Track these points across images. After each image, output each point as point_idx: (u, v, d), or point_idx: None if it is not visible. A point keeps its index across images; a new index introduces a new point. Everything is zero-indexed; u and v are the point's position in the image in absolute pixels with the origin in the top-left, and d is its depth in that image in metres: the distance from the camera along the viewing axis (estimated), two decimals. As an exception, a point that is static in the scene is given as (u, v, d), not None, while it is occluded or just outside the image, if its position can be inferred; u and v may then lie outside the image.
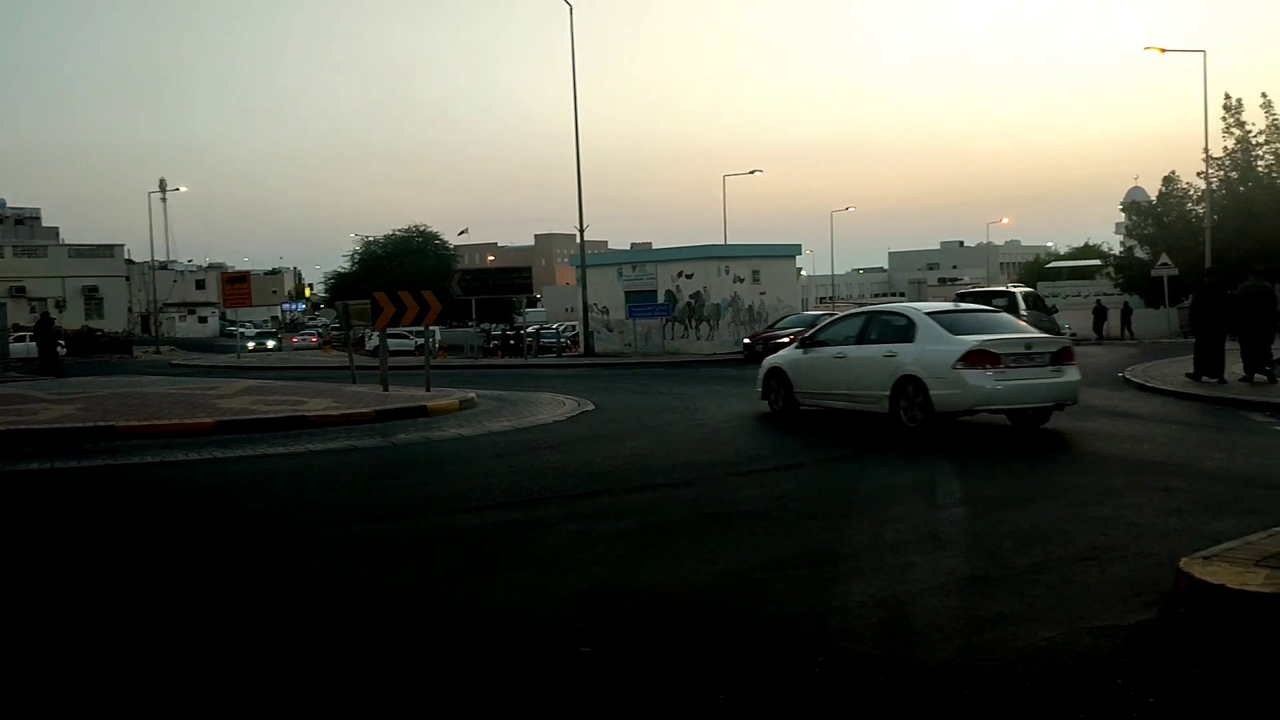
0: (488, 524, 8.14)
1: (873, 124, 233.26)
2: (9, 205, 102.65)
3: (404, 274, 48.58)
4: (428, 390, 19.29)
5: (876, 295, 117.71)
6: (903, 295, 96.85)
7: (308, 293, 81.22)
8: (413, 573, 6.62)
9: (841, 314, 16.76)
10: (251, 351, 55.12)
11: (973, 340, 12.19)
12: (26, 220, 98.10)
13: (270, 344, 64.65)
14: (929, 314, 13.14)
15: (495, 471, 10.78)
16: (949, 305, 15.58)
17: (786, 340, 23.53)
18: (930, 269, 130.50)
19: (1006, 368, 12.05)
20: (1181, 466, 9.88)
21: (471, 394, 18.67)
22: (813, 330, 15.61)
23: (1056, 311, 35.55)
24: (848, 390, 13.70)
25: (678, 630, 5.27)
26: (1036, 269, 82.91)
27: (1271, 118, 42.01)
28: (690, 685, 4.52)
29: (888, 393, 12.76)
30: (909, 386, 12.50)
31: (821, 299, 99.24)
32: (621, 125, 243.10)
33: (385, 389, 19.43)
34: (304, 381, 24.22)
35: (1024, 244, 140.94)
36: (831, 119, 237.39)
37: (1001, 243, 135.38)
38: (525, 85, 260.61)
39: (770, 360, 15.75)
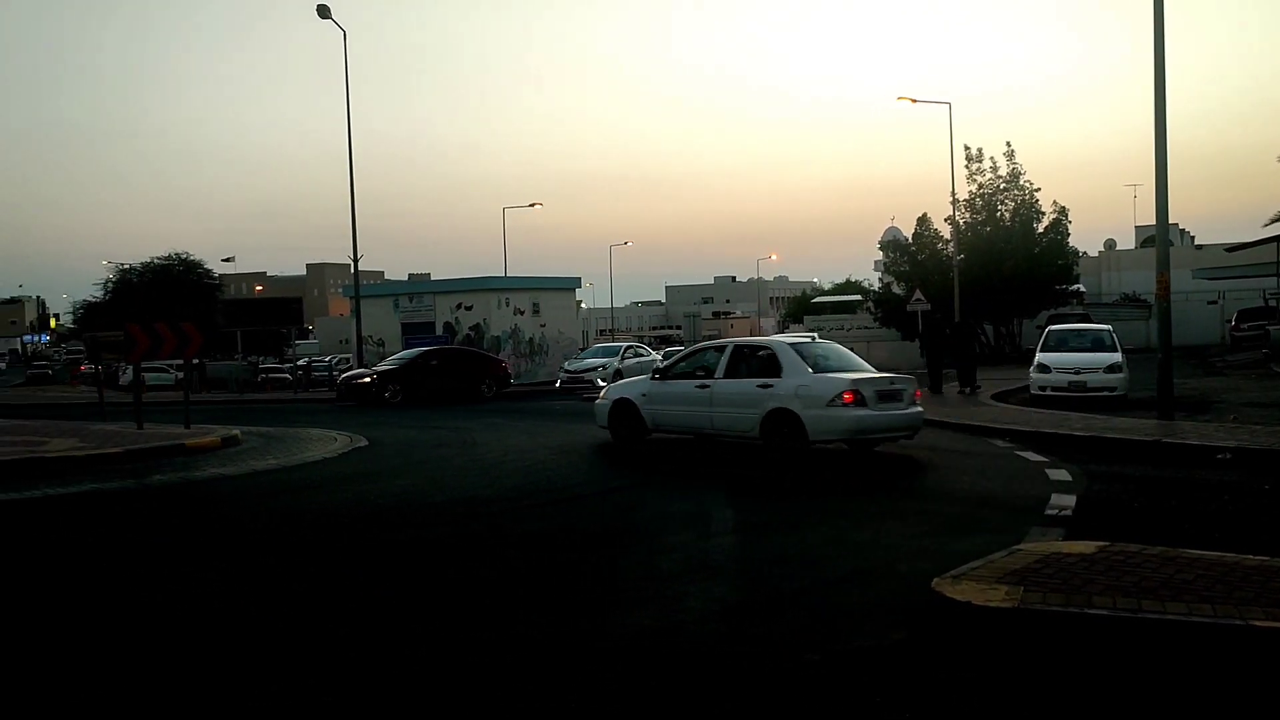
0: (241, 570, 7.65)
1: (649, 159, 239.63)
2: None
3: (163, 304, 45.69)
4: (187, 427, 18.14)
5: (655, 328, 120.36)
6: (679, 329, 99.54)
7: (53, 323, 75.10)
8: (149, 633, 6.12)
9: None
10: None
11: None
12: None
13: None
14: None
15: (256, 513, 10.20)
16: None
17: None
18: (705, 303, 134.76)
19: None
20: (933, 491, 10.51)
21: (235, 430, 17.69)
22: None
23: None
24: None
25: (435, 674, 5.09)
26: (803, 304, 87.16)
27: (1012, 166, 45.91)
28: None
29: None
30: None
31: (601, 331, 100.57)
32: (400, 153, 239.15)
33: (140, 426, 18.14)
34: (45, 420, 22.27)
35: (791, 280, 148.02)
36: (610, 154, 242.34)
37: (771, 278, 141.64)
38: (298, 110, 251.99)
39: None
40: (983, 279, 42.10)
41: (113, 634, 5.96)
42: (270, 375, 44.56)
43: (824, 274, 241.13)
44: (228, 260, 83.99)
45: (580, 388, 32.46)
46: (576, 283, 44.37)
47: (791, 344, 14.84)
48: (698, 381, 14.69)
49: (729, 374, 14.37)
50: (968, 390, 24.39)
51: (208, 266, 55.49)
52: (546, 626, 5.86)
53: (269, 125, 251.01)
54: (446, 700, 4.72)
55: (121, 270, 56.38)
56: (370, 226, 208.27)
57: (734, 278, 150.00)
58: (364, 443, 16.86)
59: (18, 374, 65.75)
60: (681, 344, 41.22)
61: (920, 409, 14.19)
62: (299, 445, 16.52)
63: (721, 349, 15.12)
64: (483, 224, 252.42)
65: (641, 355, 36.66)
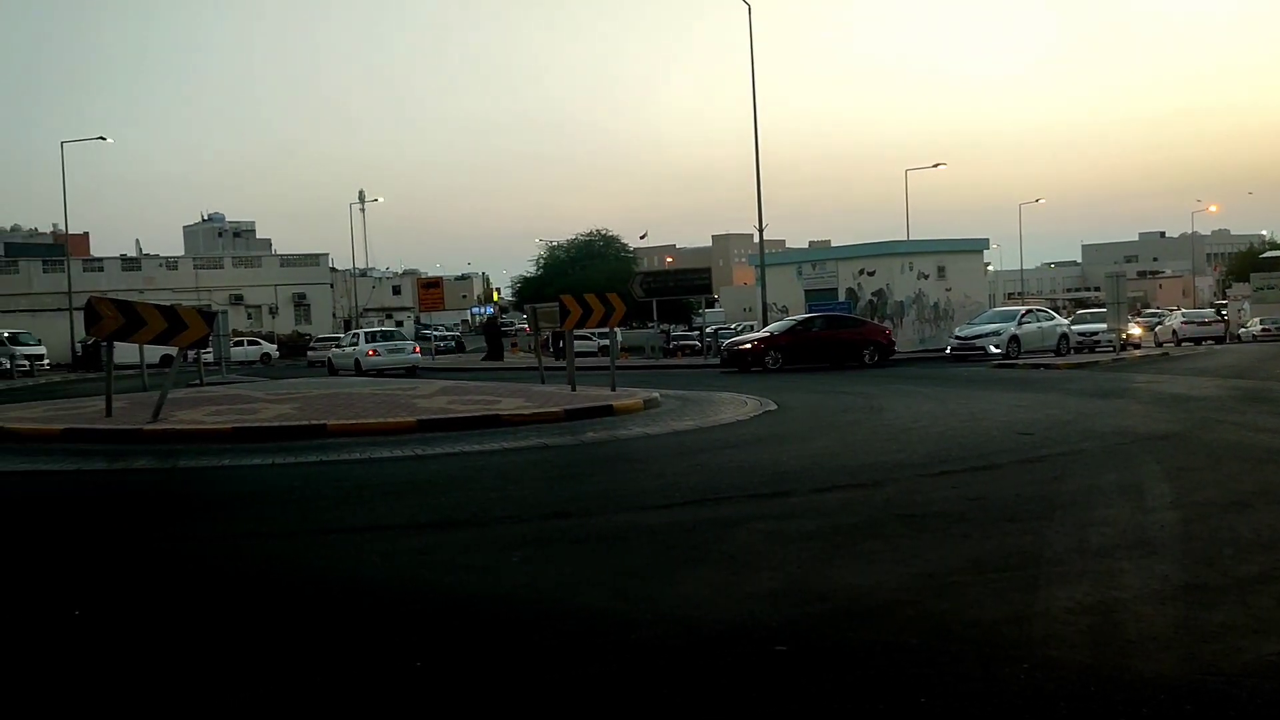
0: (676, 521, 8.22)
1: (1058, 113, 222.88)
2: (228, 220, 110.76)
3: (586, 277, 49.65)
4: (613, 390, 19.64)
5: (1069, 290, 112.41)
6: (1098, 290, 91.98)
7: (495, 296, 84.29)
8: (605, 568, 6.77)
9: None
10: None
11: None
12: (243, 233, 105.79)
13: None
14: None
15: (681, 470, 10.90)
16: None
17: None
18: (1129, 261, 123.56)
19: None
20: None
21: (655, 394, 18.91)
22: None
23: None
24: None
25: (874, 631, 5.21)
26: (1250, 259, 77.29)
27: None
28: (889, 687, 4.47)
29: None
30: None
31: (1010, 294, 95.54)
32: (799, 122, 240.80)
33: (573, 389, 19.91)
34: (495, 382, 25.11)
35: (1234, 233, 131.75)
36: (1015, 109, 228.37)
37: (1208, 232, 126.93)
38: (702, 85, 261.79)
39: None
40: None
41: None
42: (680, 342, 46.99)
43: (1277, 225, 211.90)
44: (643, 236, 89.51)
45: (972, 354, 30.84)
46: (984, 244, 42.57)
47: (367, 333, 37.74)
48: (348, 347, 37.01)
49: (350, 345, 36.97)
50: None
51: (624, 241, 59.45)
52: (975, 596, 5.81)
53: (678, 102, 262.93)
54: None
55: (551, 247, 61.92)
56: (770, 196, 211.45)
57: (1163, 233, 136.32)
58: (772, 406, 17.38)
59: (471, 341, 73.93)
60: (1101, 307, 38.00)
61: (418, 356, 36.01)
62: (712, 408, 17.36)
63: (358, 334, 37.99)
64: (882, 189, 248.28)
65: (1043, 320, 33.87)
